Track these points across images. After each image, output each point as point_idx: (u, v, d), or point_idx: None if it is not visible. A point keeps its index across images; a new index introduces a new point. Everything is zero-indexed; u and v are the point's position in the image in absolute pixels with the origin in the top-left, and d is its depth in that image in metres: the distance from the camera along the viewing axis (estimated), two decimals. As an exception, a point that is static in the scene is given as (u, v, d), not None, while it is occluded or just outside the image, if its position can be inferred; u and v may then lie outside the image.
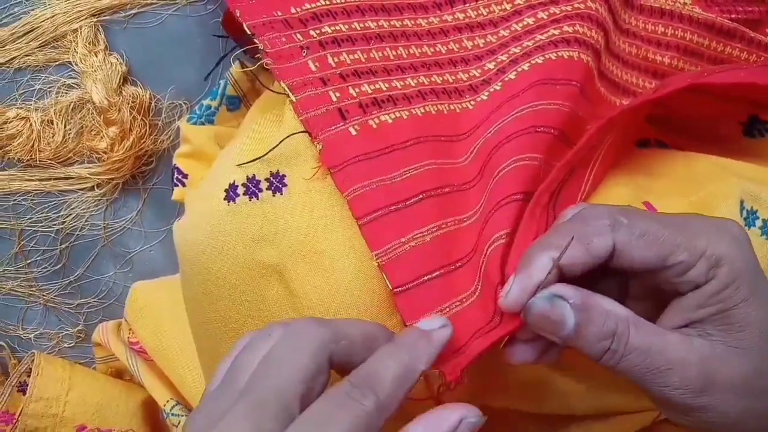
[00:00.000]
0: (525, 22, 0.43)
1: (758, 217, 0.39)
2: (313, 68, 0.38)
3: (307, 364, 0.25)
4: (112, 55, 0.51)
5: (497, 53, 0.43)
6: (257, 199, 0.36)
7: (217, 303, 0.37)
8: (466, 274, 0.35)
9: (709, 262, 0.27)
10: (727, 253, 0.28)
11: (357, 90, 0.38)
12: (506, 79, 0.41)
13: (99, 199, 0.52)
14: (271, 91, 0.40)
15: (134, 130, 0.50)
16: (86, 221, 0.52)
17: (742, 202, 0.39)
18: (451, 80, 0.42)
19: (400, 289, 0.33)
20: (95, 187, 0.52)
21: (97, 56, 0.50)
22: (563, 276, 0.29)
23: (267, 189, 0.36)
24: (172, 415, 0.46)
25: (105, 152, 0.51)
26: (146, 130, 0.51)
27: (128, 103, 0.50)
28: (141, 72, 0.52)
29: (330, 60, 0.39)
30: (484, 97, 0.41)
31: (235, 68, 0.50)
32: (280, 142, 0.36)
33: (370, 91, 0.38)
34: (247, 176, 0.36)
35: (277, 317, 0.36)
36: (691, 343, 0.28)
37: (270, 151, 0.36)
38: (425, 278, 0.34)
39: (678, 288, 0.28)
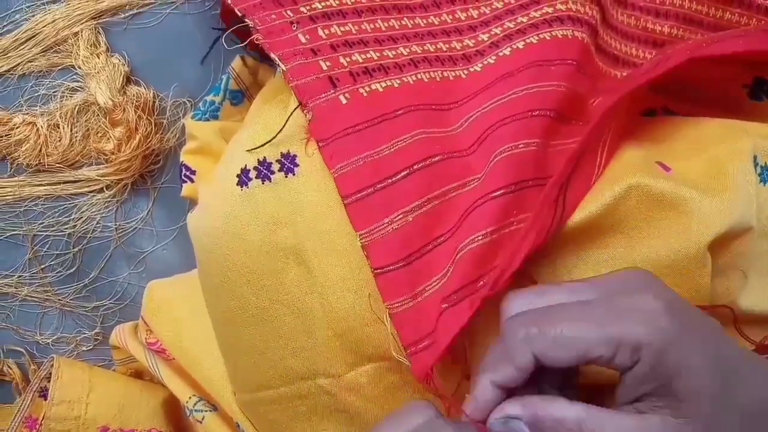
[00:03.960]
0: None
1: None
2: (303, 40, 0.38)
3: None
4: (113, 57, 0.51)
5: (491, 25, 0.43)
6: (270, 181, 0.36)
7: (235, 290, 0.37)
8: (446, 250, 0.35)
9: (628, 350, 0.27)
10: (643, 335, 0.27)
11: (348, 59, 0.38)
12: (500, 54, 0.41)
13: (109, 201, 0.52)
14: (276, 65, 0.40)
15: (140, 130, 0.51)
16: (97, 223, 0.52)
17: (755, 158, 0.39)
18: (444, 48, 0.42)
19: (380, 270, 0.34)
20: (104, 188, 0.52)
21: (99, 58, 0.50)
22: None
23: (279, 171, 0.36)
24: (196, 411, 0.46)
25: (112, 153, 0.51)
26: (152, 128, 0.51)
27: (132, 103, 0.50)
28: (143, 71, 0.52)
29: (320, 32, 0.39)
30: (478, 68, 0.41)
31: (236, 63, 0.50)
32: (286, 121, 0.36)
33: (360, 61, 0.38)
34: (258, 160, 0.36)
35: (297, 300, 0.36)
36: (645, 421, 0.28)
37: (278, 133, 0.36)
38: (403, 262, 0.34)
39: (611, 369, 0.29)
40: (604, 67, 0.47)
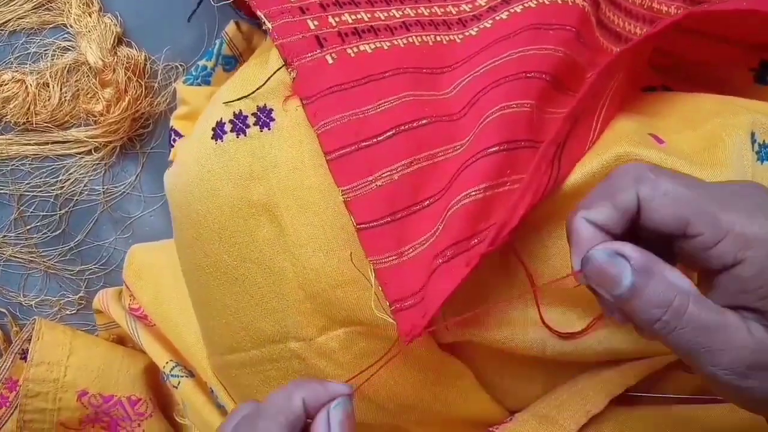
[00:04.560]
0: None
1: None
2: None
3: None
4: (106, 16, 0.50)
5: None
6: (245, 135, 0.35)
7: (207, 246, 0.36)
8: (433, 213, 0.34)
9: (737, 243, 0.25)
10: (760, 231, 0.25)
11: (337, 19, 0.37)
12: (497, 18, 0.40)
13: (97, 163, 0.52)
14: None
15: (130, 92, 0.50)
16: (85, 186, 0.52)
17: (753, 135, 0.37)
18: (439, 12, 0.41)
19: (363, 226, 0.33)
20: (93, 150, 0.51)
21: (91, 17, 0.49)
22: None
23: (254, 125, 0.35)
24: (172, 376, 0.45)
25: (101, 114, 0.50)
26: (142, 91, 0.51)
27: (123, 65, 0.50)
28: (136, 33, 0.51)
29: None
30: (473, 33, 0.40)
31: (230, 28, 0.49)
32: (268, 79, 0.35)
33: (350, 21, 0.37)
34: (234, 113, 0.35)
35: (269, 259, 0.35)
36: (747, 327, 0.25)
37: (258, 88, 0.35)
38: (389, 218, 0.33)
39: (708, 264, 0.26)
40: (605, 42, 0.45)
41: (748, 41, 0.46)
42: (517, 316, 0.36)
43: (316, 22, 0.36)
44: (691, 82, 0.47)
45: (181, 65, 0.51)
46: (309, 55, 0.35)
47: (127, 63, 0.50)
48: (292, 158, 0.34)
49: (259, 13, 0.37)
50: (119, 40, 0.50)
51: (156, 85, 0.51)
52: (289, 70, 0.35)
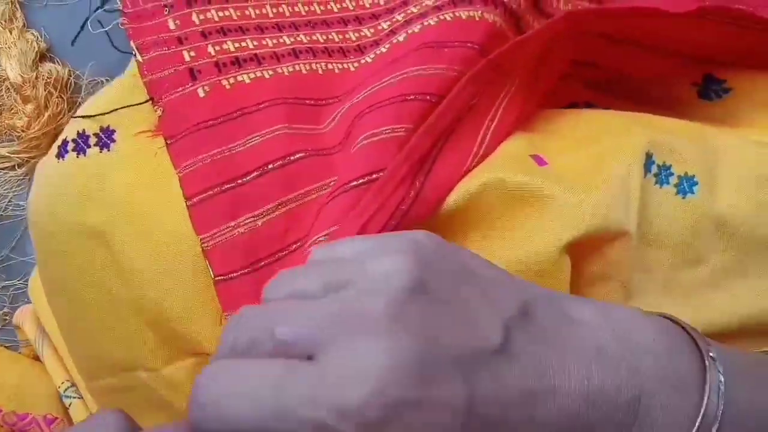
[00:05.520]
0: None
1: (672, 173, 0.34)
2: (173, 26, 0.36)
3: None
4: (29, 32, 0.50)
5: (394, 12, 0.40)
6: (84, 155, 0.34)
7: (55, 270, 0.35)
8: (299, 258, 0.32)
9: None
10: None
11: (217, 48, 0.36)
12: (395, 41, 0.38)
13: (22, 179, 0.52)
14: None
15: (50, 107, 0.50)
16: (9, 201, 0.52)
17: (650, 156, 0.34)
18: (337, 39, 0.39)
19: (221, 278, 0.31)
20: (16, 166, 0.51)
21: (11, 33, 0.49)
22: None
23: (95, 145, 0.34)
24: (65, 396, 0.44)
25: (23, 130, 0.50)
26: (64, 107, 0.50)
27: (44, 80, 0.49)
28: (61, 49, 0.51)
29: (194, 17, 0.37)
30: (369, 60, 0.38)
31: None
32: (124, 107, 0.34)
33: (233, 49, 0.36)
34: (78, 131, 0.34)
35: (108, 285, 0.33)
36: None
37: (102, 114, 0.34)
38: (249, 268, 0.31)
39: None
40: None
41: (690, 53, 0.42)
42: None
43: (192, 53, 0.35)
44: (630, 98, 0.44)
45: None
46: (180, 89, 0.34)
47: (48, 78, 0.50)
48: (128, 183, 0.33)
49: (132, 44, 0.35)
50: (42, 56, 0.50)
51: (80, 100, 0.51)
52: (155, 108, 0.33)
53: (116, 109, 0.34)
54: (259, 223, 0.32)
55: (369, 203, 0.30)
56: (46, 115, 0.50)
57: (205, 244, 0.31)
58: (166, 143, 0.33)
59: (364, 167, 0.32)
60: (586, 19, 0.35)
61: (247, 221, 0.32)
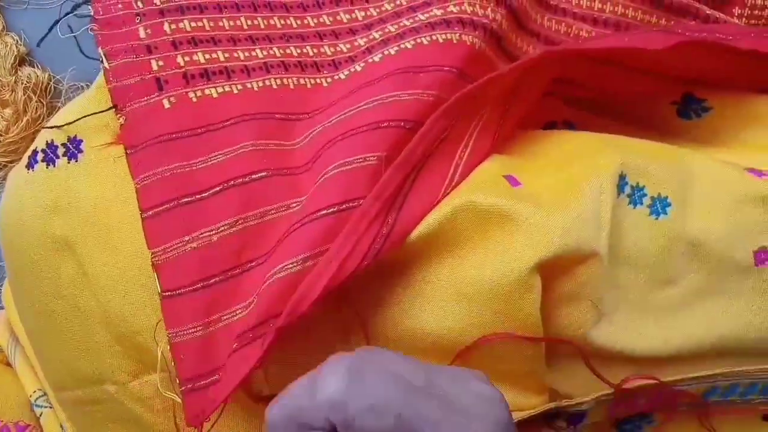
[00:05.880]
0: None
1: (645, 194, 0.34)
2: (143, 35, 0.35)
3: None
4: (8, 36, 0.50)
5: (372, 29, 0.40)
6: (54, 166, 0.33)
7: (23, 281, 0.35)
8: (255, 279, 0.32)
9: None
10: None
11: (187, 59, 0.35)
12: (370, 60, 0.37)
13: (1, 183, 0.51)
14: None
15: (29, 112, 0.49)
16: (-13, 205, 0.51)
17: (623, 177, 0.33)
18: (311, 53, 0.38)
19: (168, 293, 0.31)
20: (-5, 170, 0.51)
21: (-9, 37, 0.49)
22: None
23: (63, 155, 0.33)
24: (36, 406, 0.43)
25: (1, 134, 0.50)
26: (44, 111, 0.50)
27: (23, 84, 0.49)
28: (41, 53, 0.51)
29: (166, 27, 0.36)
30: (342, 76, 0.38)
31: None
32: (89, 115, 0.33)
33: (203, 61, 0.35)
34: (47, 142, 0.33)
35: (75, 297, 0.33)
36: None
37: (69, 123, 0.33)
38: (200, 284, 0.31)
39: None
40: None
41: (671, 74, 0.42)
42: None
43: (161, 63, 0.35)
44: (610, 116, 0.44)
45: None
46: (145, 99, 0.33)
47: (27, 83, 0.49)
48: (95, 194, 0.32)
49: (100, 50, 0.35)
50: (22, 60, 0.50)
51: (60, 104, 0.51)
52: (118, 116, 0.33)
53: (80, 119, 0.33)
54: (215, 238, 0.31)
55: (341, 246, 0.30)
56: (25, 119, 0.49)
57: (156, 259, 0.31)
58: (126, 153, 0.32)
59: (335, 196, 0.31)
60: (563, 57, 0.35)
61: (202, 235, 0.31)
